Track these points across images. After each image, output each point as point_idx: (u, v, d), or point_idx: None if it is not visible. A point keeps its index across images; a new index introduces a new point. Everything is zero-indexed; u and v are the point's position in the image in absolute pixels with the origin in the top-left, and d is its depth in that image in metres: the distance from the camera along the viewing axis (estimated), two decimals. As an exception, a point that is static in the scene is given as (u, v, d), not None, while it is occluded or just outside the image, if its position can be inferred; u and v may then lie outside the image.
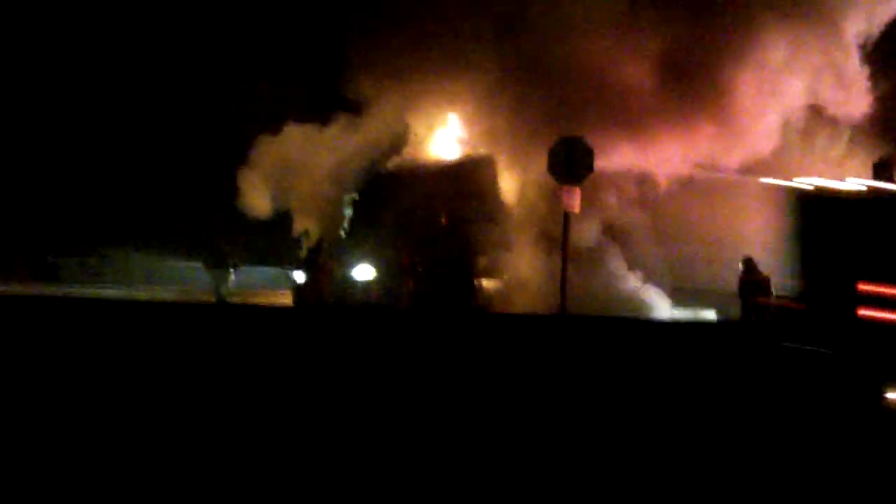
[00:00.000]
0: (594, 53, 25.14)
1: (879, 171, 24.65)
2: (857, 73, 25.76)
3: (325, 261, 25.97)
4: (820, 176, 26.85)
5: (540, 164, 23.10)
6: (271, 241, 28.89)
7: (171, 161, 31.40)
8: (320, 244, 26.30)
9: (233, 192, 27.59)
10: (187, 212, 30.31)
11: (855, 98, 25.66)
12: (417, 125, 27.92)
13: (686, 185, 25.90)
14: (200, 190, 29.84)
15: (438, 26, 26.22)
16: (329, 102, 28.51)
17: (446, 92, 27.09)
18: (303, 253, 26.66)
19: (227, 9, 30.48)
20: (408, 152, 27.74)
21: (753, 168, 25.72)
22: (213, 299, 26.21)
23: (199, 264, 27.58)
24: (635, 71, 25.23)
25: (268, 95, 30.03)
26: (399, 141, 27.83)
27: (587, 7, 25.29)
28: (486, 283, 26.10)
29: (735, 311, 24.53)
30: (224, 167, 28.06)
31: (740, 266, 24.02)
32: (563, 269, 22.60)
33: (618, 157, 24.98)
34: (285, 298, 27.51)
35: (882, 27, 25.68)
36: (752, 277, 23.82)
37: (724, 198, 26.30)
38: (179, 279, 30.41)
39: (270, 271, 30.82)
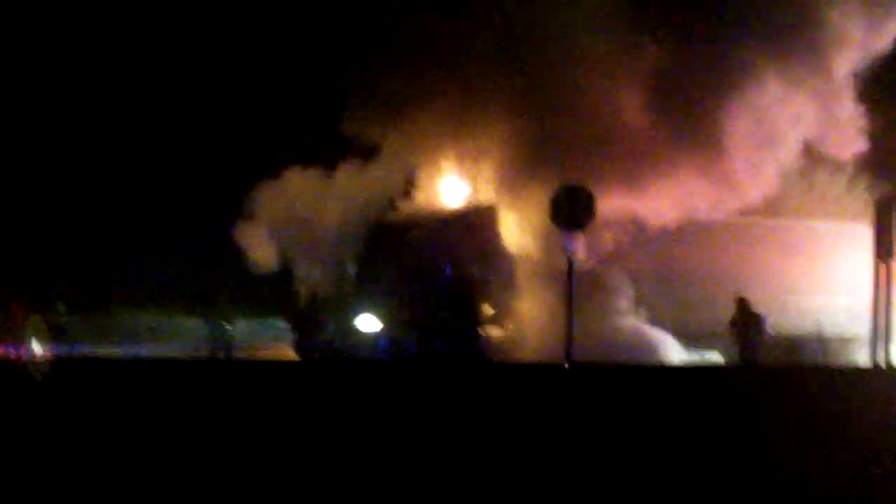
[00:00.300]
0: (596, 99, 25.29)
1: (881, 210, 24.75)
2: (854, 111, 25.86)
3: (315, 312, 25.98)
4: (821, 216, 27.10)
5: (543, 209, 23.31)
6: (279, 293, 28.74)
7: (171, 212, 31.28)
8: (315, 296, 26.28)
9: (235, 242, 27.51)
10: (189, 265, 30.16)
11: (853, 137, 25.75)
12: (421, 173, 28.00)
13: (689, 227, 25.92)
14: (202, 241, 29.68)
15: (442, 74, 26.33)
16: (332, 150, 28.52)
17: (450, 139, 27.21)
18: (301, 305, 26.63)
19: (227, 51, 30.41)
20: (411, 201, 27.80)
21: (756, 210, 25.86)
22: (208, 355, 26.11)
23: (201, 320, 27.46)
24: (635, 116, 25.36)
25: (271, 143, 29.93)
26: (403, 190, 27.90)
27: (589, 54, 25.44)
28: (492, 332, 26.06)
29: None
30: (226, 216, 27.98)
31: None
32: (569, 316, 22.65)
33: (621, 202, 25.10)
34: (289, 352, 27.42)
35: (878, 64, 25.78)
36: (744, 317, 23.94)
37: (729, 240, 26.38)
38: (186, 335, 30.24)
39: (277, 324, 30.62)
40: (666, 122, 25.20)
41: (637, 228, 25.73)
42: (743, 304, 24.11)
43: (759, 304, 24.09)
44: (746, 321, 23.90)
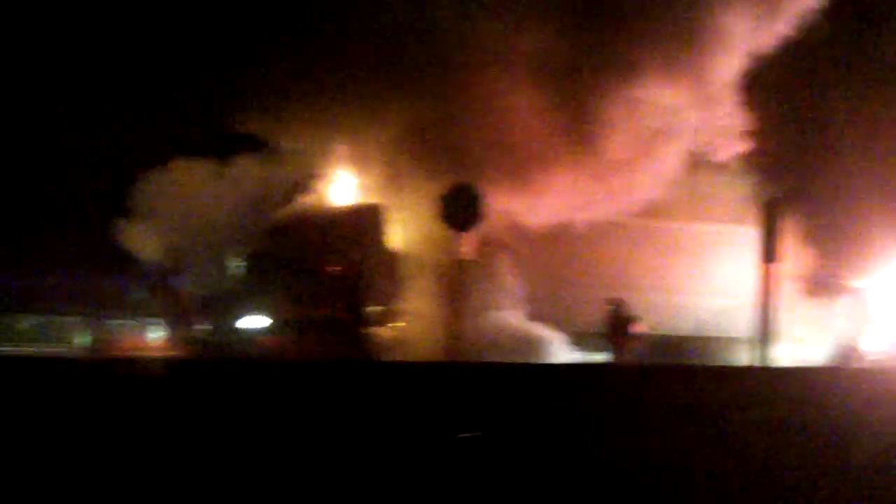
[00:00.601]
0: (486, 100, 25.20)
1: (766, 213, 25.06)
2: (740, 115, 26.10)
3: (196, 309, 25.60)
4: (708, 218, 27.36)
5: (432, 208, 23.23)
6: (162, 289, 28.01)
7: (51, 207, 30.23)
8: (198, 293, 25.88)
9: (118, 237, 26.87)
10: (70, 262, 29.23)
11: (739, 140, 26.02)
12: (311, 170, 27.70)
13: (577, 228, 25.95)
14: (83, 237, 28.77)
15: (333, 72, 26.07)
16: (220, 145, 28.01)
17: (341, 137, 26.97)
18: (182, 301, 26.15)
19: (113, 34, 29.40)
20: (300, 198, 27.49)
21: (643, 211, 25.99)
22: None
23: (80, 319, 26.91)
24: (524, 117, 25.30)
25: (156, 138, 29.14)
26: (292, 187, 27.58)
27: (477, 55, 25.35)
28: (379, 332, 25.82)
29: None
30: (109, 210, 27.26)
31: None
32: (455, 316, 22.62)
33: (509, 201, 25.06)
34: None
35: (763, 67, 26.03)
36: (618, 317, 24.15)
37: (617, 241, 26.49)
38: (68, 334, 29.47)
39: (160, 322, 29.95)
40: (554, 123, 25.19)
41: (526, 228, 25.68)
42: (616, 305, 24.29)
43: (640, 305, 24.29)
44: (619, 321, 24.12)
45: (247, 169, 27.63)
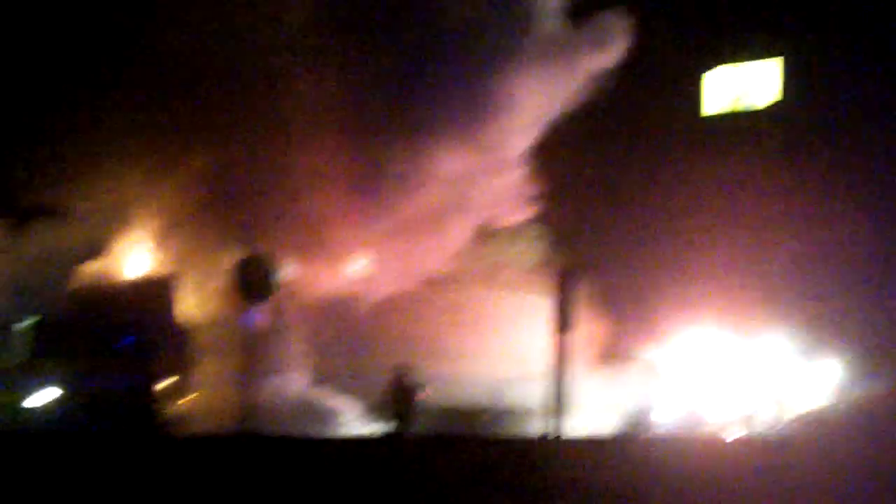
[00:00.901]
0: (277, 168, 25.09)
1: (560, 283, 25.34)
2: (539, 184, 26.42)
3: None
4: (503, 286, 27.56)
5: (227, 279, 22.97)
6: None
7: None
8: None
9: None
10: None
11: (532, 210, 26.33)
12: (106, 238, 27.06)
13: (372, 297, 25.94)
14: None
15: (127, 140, 25.66)
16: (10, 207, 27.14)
17: (136, 206, 26.49)
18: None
19: None
20: (91, 266, 26.76)
21: (437, 280, 26.08)
22: None
23: None
24: (319, 186, 25.24)
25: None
26: (86, 254, 26.85)
27: (278, 124, 25.26)
28: (171, 404, 25.24)
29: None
30: None
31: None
32: (247, 387, 22.29)
33: (305, 270, 24.94)
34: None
35: (559, 136, 26.41)
36: (402, 386, 24.10)
37: (410, 309, 26.50)
38: None
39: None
40: (345, 190, 25.19)
41: (318, 297, 25.56)
42: (401, 373, 24.21)
43: (430, 374, 24.23)
44: (404, 390, 24.07)
45: (37, 233, 26.82)
